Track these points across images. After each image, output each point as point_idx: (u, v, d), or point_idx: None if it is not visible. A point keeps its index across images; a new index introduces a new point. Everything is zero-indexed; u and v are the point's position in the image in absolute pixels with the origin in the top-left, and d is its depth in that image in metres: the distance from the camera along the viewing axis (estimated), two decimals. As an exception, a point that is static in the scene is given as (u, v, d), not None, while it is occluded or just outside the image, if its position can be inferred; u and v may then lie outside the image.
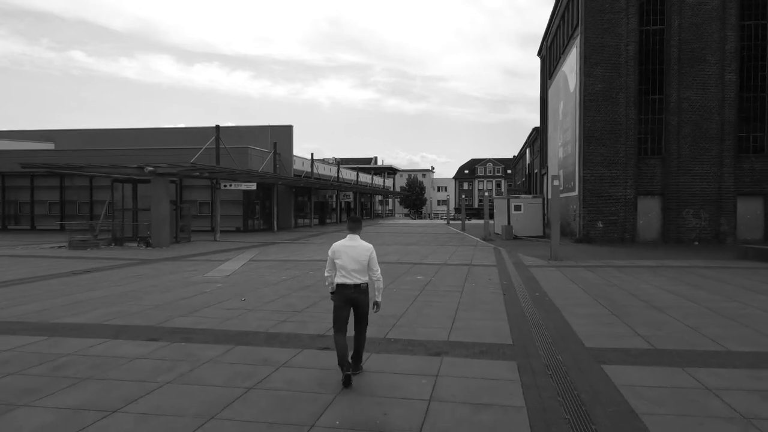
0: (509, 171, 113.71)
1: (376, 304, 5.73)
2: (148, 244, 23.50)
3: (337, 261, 5.54)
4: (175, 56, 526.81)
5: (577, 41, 28.02)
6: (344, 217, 58.25)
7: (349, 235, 5.64)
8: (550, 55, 40.76)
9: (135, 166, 22.80)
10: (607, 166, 26.40)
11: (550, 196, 37.62)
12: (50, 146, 42.72)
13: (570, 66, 30.52)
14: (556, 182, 18.25)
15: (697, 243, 25.60)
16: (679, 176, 25.98)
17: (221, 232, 34.51)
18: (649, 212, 26.54)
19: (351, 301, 5.51)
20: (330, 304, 5.91)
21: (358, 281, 5.49)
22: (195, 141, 35.78)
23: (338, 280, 5.51)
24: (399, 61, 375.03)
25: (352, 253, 5.51)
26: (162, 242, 23.27)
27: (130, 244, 24.26)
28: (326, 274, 5.71)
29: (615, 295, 10.61)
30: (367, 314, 5.72)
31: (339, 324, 5.53)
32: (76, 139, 42.85)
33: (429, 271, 14.90)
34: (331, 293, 5.68)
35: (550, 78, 40.62)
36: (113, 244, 24.42)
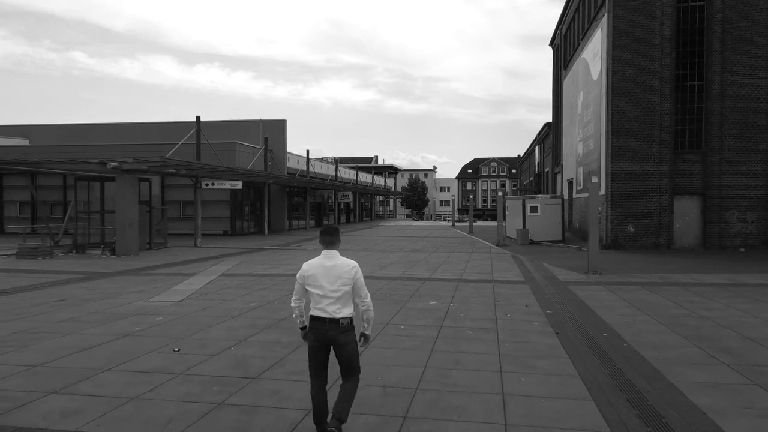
0: (514, 171, 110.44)
1: (364, 336, 4.29)
2: (113, 252, 20.31)
3: (309, 287, 4.13)
4: (176, 57, 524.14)
5: (603, 22, 24.79)
6: (342, 219, 54.98)
7: (324, 252, 4.22)
8: (565, 43, 37.51)
9: (96, 161, 19.59)
10: (638, 161, 23.16)
11: (566, 196, 34.53)
12: (25, 142, 39.48)
13: (592, 51, 27.28)
14: (594, 179, 15.03)
15: (743, 250, 22.37)
16: (722, 173, 22.74)
17: (206, 236, 31.35)
18: (687, 214, 23.30)
19: (328, 342, 4.08)
20: (305, 360, 4.32)
21: (337, 315, 4.05)
22: (181, 137, 32.44)
23: (311, 312, 4.12)
24: (400, 62, 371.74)
25: (328, 276, 4.10)
26: (129, 249, 20.05)
27: (94, 252, 21.04)
28: (293, 304, 4.29)
29: (723, 339, 7.36)
30: (356, 360, 4.17)
31: (315, 371, 4.18)
32: (53, 134, 39.62)
33: (444, 291, 11.67)
34: (301, 329, 4.34)
35: (565, 68, 37.37)
36: (74, 251, 21.20)
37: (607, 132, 23.85)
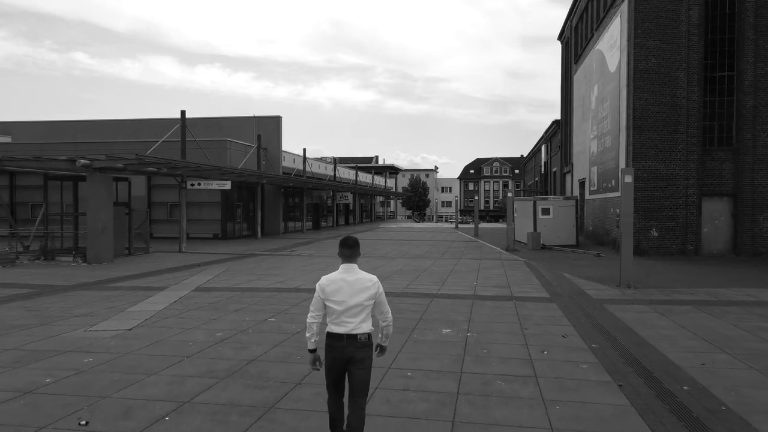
0: (517, 171, 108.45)
1: (380, 347, 4.18)
2: (85, 259, 18.32)
3: (329, 303, 3.89)
4: (177, 57, 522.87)
5: (623, 8, 22.78)
6: (341, 221, 52.93)
7: (343, 266, 3.99)
8: (576, 35, 35.49)
9: (64, 158, 17.58)
10: (662, 160, 21.14)
11: (582, 197, 32.50)
12: (7, 140, 37.45)
13: (610, 41, 25.27)
14: (628, 178, 13.00)
15: (778, 256, 20.37)
16: (754, 173, 20.74)
17: (196, 239, 29.44)
18: (716, 217, 21.28)
19: (345, 358, 3.85)
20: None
21: (355, 331, 3.86)
22: (173, 134, 30.38)
23: (328, 328, 3.94)
24: (400, 63, 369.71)
25: (350, 292, 3.88)
26: (102, 256, 18.05)
27: (64, 258, 19.03)
28: (310, 320, 3.98)
29: None
30: (368, 380, 3.92)
31: (333, 388, 3.98)
32: (37, 131, 37.58)
33: (457, 312, 9.66)
34: (310, 351, 4.01)
35: (576, 62, 35.35)
36: (42, 257, 19.20)
37: (627, 128, 21.85)
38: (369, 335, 3.93)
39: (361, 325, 3.88)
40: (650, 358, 6.70)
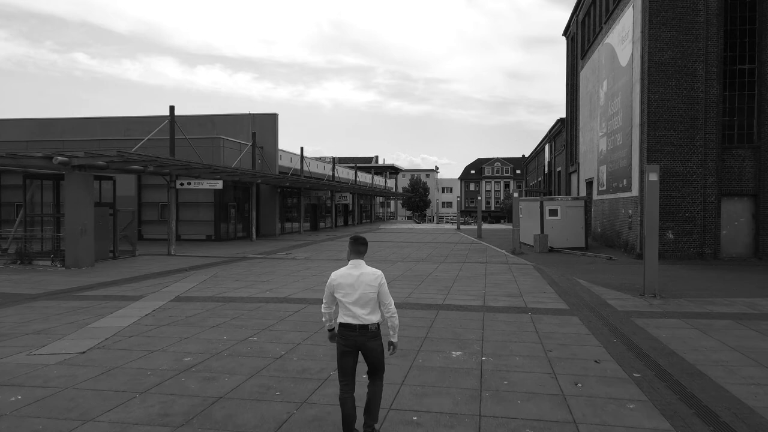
0: (518, 171, 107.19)
1: (392, 345, 4.38)
2: (63, 263, 17.09)
3: (338, 295, 4.29)
4: (177, 58, 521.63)
5: (636, -2, 21.56)
6: (340, 222, 51.69)
7: (351, 261, 4.36)
8: (583, 30, 34.27)
9: (40, 155, 16.34)
10: (679, 158, 19.94)
11: (589, 198, 31.24)
12: (-6, 138, 36.20)
13: (621, 33, 24.05)
14: (653, 176, 11.76)
15: (803, 260, 19.15)
16: (777, 171, 19.54)
17: (188, 241, 28.26)
18: (736, 219, 20.07)
19: (357, 347, 4.22)
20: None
21: (365, 322, 4.21)
22: (165, 132, 29.12)
23: (341, 319, 4.27)
24: (401, 64, 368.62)
25: (356, 285, 4.25)
26: (81, 260, 16.83)
27: (42, 262, 17.79)
28: (323, 310, 4.49)
29: None
30: (382, 362, 4.34)
31: (345, 376, 4.27)
32: (23, 129, 36.31)
33: (467, 329, 8.42)
34: (329, 330, 4.55)
35: (582, 58, 34.13)
36: (19, 261, 17.95)
37: (641, 124, 20.62)
38: (378, 325, 4.25)
39: (370, 316, 4.19)
40: (709, 394, 5.46)
